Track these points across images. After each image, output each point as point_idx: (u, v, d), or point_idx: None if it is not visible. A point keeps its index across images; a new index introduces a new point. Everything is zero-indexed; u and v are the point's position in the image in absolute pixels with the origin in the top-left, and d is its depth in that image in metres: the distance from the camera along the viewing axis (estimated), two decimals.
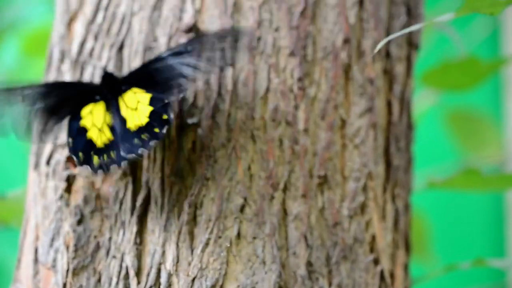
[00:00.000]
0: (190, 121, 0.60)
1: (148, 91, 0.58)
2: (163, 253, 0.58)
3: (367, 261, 0.60)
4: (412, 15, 0.66)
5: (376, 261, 0.61)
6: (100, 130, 0.58)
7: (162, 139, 0.58)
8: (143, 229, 0.59)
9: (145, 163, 0.60)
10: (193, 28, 0.61)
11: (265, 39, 0.61)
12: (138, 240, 0.58)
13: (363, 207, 0.61)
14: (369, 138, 0.62)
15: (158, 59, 0.59)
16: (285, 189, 0.59)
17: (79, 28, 0.64)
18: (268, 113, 0.60)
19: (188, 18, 0.62)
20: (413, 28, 0.53)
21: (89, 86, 0.61)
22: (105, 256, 0.59)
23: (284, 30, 0.62)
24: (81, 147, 0.58)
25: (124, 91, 0.59)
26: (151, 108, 0.58)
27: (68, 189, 0.60)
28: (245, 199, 0.58)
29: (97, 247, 0.59)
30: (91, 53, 0.63)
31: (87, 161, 0.58)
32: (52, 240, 0.60)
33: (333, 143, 0.61)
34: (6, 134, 0.59)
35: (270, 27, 0.62)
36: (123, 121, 0.58)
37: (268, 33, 0.62)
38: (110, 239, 0.59)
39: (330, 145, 0.61)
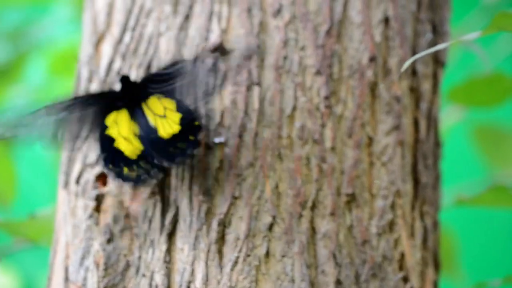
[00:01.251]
0: (217, 140, 0.60)
1: (168, 96, 0.57)
2: (192, 271, 0.58)
3: (396, 279, 0.60)
4: (437, 33, 0.66)
5: (405, 279, 0.61)
6: (126, 139, 0.58)
7: (199, 147, 0.58)
8: (172, 248, 0.59)
9: (173, 181, 0.60)
10: (219, 48, 0.62)
11: (291, 58, 0.62)
12: (167, 259, 0.59)
13: (391, 225, 0.61)
14: (396, 156, 0.62)
15: (177, 64, 0.58)
16: (313, 207, 0.59)
17: (107, 48, 0.65)
18: (295, 132, 0.61)
19: (214, 38, 0.62)
20: (439, 47, 0.53)
21: (110, 93, 0.60)
22: (135, 274, 0.59)
23: (310, 49, 0.62)
24: (111, 158, 0.58)
25: (147, 96, 0.58)
26: (180, 115, 0.57)
27: (98, 208, 0.61)
28: (273, 217, 0.59)
29: (127, 265, 0.59)
30: (119, 73, 0.64)
31: (118, 173, 0.58)
32: (82, 258, 0.60)
33: (360, 161, 0.61)
34: (31, 144, 0.59)
35: (296, 46, 0.62)
36: (153, 129, 0.57)
37: (294, 52, 0.62)
38: (139, 257, 0.59)
39: (358, 163, 0.61)
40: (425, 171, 0.64)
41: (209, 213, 0.59)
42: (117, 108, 0.59)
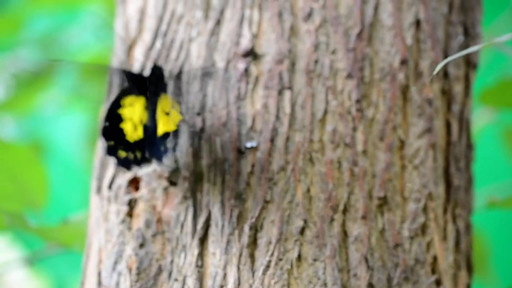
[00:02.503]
0: (249, 144, 0.60)
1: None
2: (225, 275, 0.58)
3: (429, 283, 0.60)
4: (469, 35, 0.66)
5: (438, 283, 0.61)
6: (134, 125, 0.58)
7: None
8: (204, 252, 0.59)
9: (205, 186, 0.60)
10: (250, 53, 0.62)
11: (322, 62, 0.62)
12: (199, 263, 0.59)
13: (423, 228, 0.61)
14: (428, 159, 0.62)
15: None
16: (345, 211, 0.59)
17: (138, 54, 0.65)
18: (326, 135, 0.61)
19: (245, 43, 0.62)
20: (471, 49, 0.53)
21: (137, 76, 0.60)
22: (167, 279, 0.59)
23: (341, 52, 0.62)
24: (113, 135, 0.58)
25: (165, 91, 0.59)
26: (180, 117, 0.58)
27: (130, 213, 0.61)
28: (305, 221, 0.59)
29: (159, 270, 0.59)
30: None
31: (113, 151, 0.58)
32: (115, 263, 0.60)
33: (392, 164, 0.61)
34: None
35: (327, 50, 0.62)
36: (155, 123, 0.58)
37: (325, 56, 0.62)
38: (172, 262, 0.59)
39: (389, 166, 0.61)
40: (457, 173, 0.64)
41: (240, 217, 0.59)
42: (138, 93, 0.59)
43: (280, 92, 0.61)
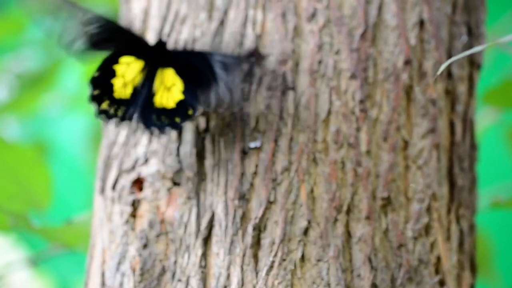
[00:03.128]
0: (252, 145, 0.60)
1: (183, 78, 0.59)
2: (228, 276, 0.58)
3: (432, 283, 0.60)
4: (473, 35, 0.66)
5: (441, 283, 0.60)
6: (125, 84, 0.60)
7: (178, 130, 0.60)
8: (207, 252, 0.59)
9: (208, 186, 0.60)
10: (254, 53, 0.62)
11: (326, 62, 0.62)
12: (203, 263, 0.59)
13: (427, 228, 0.61)
14: (432, 159, 0.62)
15: (205, 54, 0.60)
16: (348, 211, 0.59)
17: None
18: (330, 136, 0.61)
19: (249, 43, 0.62)
20: (475, 50, 0.53)
21: (142, 42, 0.62)
22: (171, 279, 0.59)
23: (344, 53, 0.62)
24: (101, 86, 0.59)
25: (167, 66, 0.60)
26: (182, 97, 0.59)
27: (134, 214, 0.61)
28: (308, 221, 0.59)
29: (163, 270, 0.59)
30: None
31: (98, 101, 0.59)
32: (119, 264, 0.60)
33: (396, 165, 0.61)
34: (50, 36, 0.60)
35: (331, 50, 0.62)
36: (150, 92, 0.59)
37: (329, 56, 0.62)
38: (175, 262, 0.59)
39: (393, 166, 0.61)
40: (461, 174, 0.64)
41: (244, 217, 0.59)
42: (138, 56, 0.60)
43: (284, 93, 0.61)
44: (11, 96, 1.13)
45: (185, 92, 0.59)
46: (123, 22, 0.67)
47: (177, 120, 0.59)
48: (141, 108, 0.59)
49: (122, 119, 0.59)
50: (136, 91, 0.60)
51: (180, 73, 0.60)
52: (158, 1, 0.65)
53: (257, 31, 0.63)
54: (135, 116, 0.59)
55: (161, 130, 0.59)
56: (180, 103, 0.59)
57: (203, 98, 0.59)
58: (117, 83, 0.60)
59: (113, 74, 0.60)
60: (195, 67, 0.60)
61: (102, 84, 0.60)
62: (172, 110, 0.59)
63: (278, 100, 0.61)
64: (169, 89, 0.59)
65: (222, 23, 0.63)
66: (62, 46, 0.61)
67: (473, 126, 0.66)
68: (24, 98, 1.13)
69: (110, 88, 0.60)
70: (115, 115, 0.59)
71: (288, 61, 0.62)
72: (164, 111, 0.59)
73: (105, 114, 0.60)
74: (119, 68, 0.60)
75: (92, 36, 0.60)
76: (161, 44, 0.61)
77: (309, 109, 0.61)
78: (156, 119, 0.59)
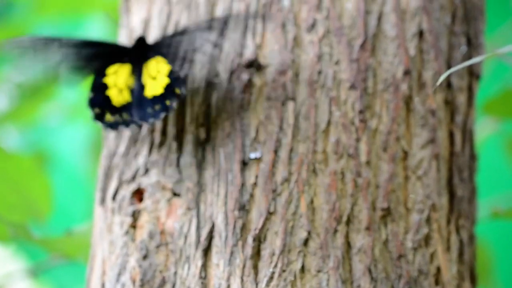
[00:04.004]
0: (252, 155, 0.60)
1: (168, 62, 0.61)
2: (228, 287, 0.58)
3: None
4: (472, 45, 0.66)
5: None
6: (120, 90, 0.61)
7: (171, 112, 0.61)
8: (207, 263, 0.59)
9: (208, 197, 0.60)
10: (254, 63, 0.62)
11: (325, 72, 0.62)
12: (203, 274, 0.59)
13: (427, 239, 0.61)
14: (431, 170, 0.62)
15: (184, 31, 0.62)
16: (348, 222, 0.59)
17: None
18: (330, 146, 0.61)
19: (249, 54, 0.63)
20: (474, 60, 0.53)
21: (121, 47, 0.64)
22: None
23: (344, 63, 0.62)
24: (99, 102, 0.61)
25: (150, 58, 0.62)
26: (167, 80, 0.61)
27: (134, 225, 0.61)
28: (308, 232, 0.59)
29: (163, 281, 0.59)
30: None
31: (100, 116, 0.61)
32: (119, 275, 0.60)
33: (395, 175, 0.61)
34: (34, 75, 0.63)
35: (331, 60, 0.62)
36: (141, 87, 0.61)
37: (329, 66, 0.62)
38: (175, 273, 0.59)
39: (393, 177, 0.61)
40: (460, 184, 0.64)
41: (244, 228, 0.59)
42: (123, 61, 0.63)
43: (284, 103, 0.61)
44: (11, 106, 1.13)
45: (170, 74, 0.61)
46: (123, 32, 0.67)
47: (168, 103, 0.60)
48: (137, 106, 0.61)
49: (130, 122, 0.61)
50: (132, 93, 0.62)
51: (161, 58, 0.62)
52: (158, 11, 0.66)
53: (257, 41, 0.63)
54: (134, 115, 0.61)
55: (156, 117, 0.60)
56: (167, 87, 0.61)
57: (188, 73, 0.62)
58: (112, 93, 0.62)
59: (105, 87, 0.62)
60: (168, 46, 0.62)
61: (99, 100, 0.62)
62: (161, 95, 0.61)
63: (278, 110, 0.61)
64: (155, 78, 0.61)
65: (222, 33, 0.63)
66: (47, 80, 0.63)
67: (472, 136, 0.66)
68: (24, 107, 1.13)
69: (108, 100, 0.61)
70: (122, 122, 0.61)
71: (288, 72, 0.62)
72: (155, 99, 0.61)
73: (112, 125, 0.61)
74: (108, 79, 0.62)
75: (74, 60, 0.63)
76: (140, 41, 0.63)
77: (309, 120, 0.61)
78: (150, 110, 0.61)
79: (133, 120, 0.61)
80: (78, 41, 0.63)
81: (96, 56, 0.63)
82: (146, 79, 0.61)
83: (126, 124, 0.61)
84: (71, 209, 1.18)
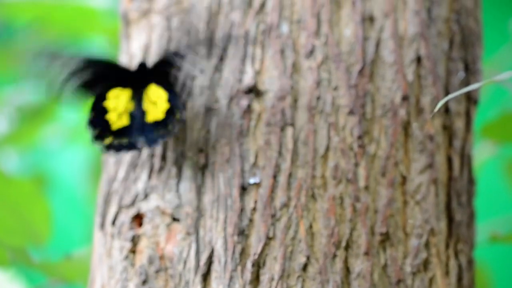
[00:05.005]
0: (252, 180, 0.61)
1: (168, 87, 0.62)
2: None
3: None
4: (470, 71, 0.66)
5: None
6: (119, 115, 0.62)
7: (173, 136, 0.62)
8: None
9: (208, 222, 0.60)
10: (253, 89, 0.63)
11: (324, 98, 0.62)
12: None
13: (426, 264, 0.61)
14: (430, 194, 0.62)
15: (183, 56, 0.62)
16: (347, 247, 0.59)
17: None
18: (328, 171, 0.61)
19: (248, 80, 0.63)
20: (472, 87, 0.53)
21: (123, 70, 0.64)
22: None
23: (343, 89, 0.62)
24: (98, 125, 0.62)
25: (150, 83, 0.63)
26: (168, 105, 0.61)
27: (133, 250, 0.61)
28: (307, 257, 0.59)
29: None
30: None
31: (100, 139, 0.62)
32: None
33: (394, 200, 0.61)
34: (38, 83, 0.63)
35: (329, 86, 0.63)
36: (142, 112, 0.62)
37: (327, 92, 0.62)
38: None
39: (391, 202, 0.61)
40: (459, 209, 0.64)
41: (243, 253, 0.59)
42: (124, 86, 0.63)
43: (283, 129, 0.61)
44: (11, 128, 1.13)
45: (169, 99, 0.62)
46: (123, 58, 0.68)
47: (170, 127, 0.61)
48: (139, 131, 0.61)
49: (129, 147, 0.61)
50: (132, 117, 0.62)
51: (160, 83, 0.62)
52: (158, 37, 0.66)
53: (256, 68, 0.63)
54: (138, 140, 0.61)
55: (158, 142, 0.61)
56: (168, 111, 0.61)
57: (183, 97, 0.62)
58: (112, 117, 0.62)
59: (105, 111, 0.62)
60: (166, 72, 0.62)
61: (98, 123, 0.62)
62: (163, 120, 0.61)
63: (277, 136, 0.61)
64: (156, 103, 0.62)
65: (221, 59, 0.64)
66: (51, 93, 0.64)
67: (470, 161, 0.66)
68: (24, 130, 1.13)
69: (107, 124, 0.62)
70: (120, 146, 0.62)
71: (286, 97, 0.62)
72: (156, 124, 0.61)
73: (111, 148, 0.62)
74: (109, 103, 0.63)
75: (76, 82, 0.63)
76: (141, 66, 0.64)
77: (307, 145, 0.61)
78: (152, 135, 0.61)
79: (132, 144, 0.61)
80: (81, 60, 0.63)
81: (98, 78, 0.64)
82: (147, 104, 0.62)
83: (124, 148, 0.62)
84: (71, 232, 1.18)
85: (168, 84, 0.62)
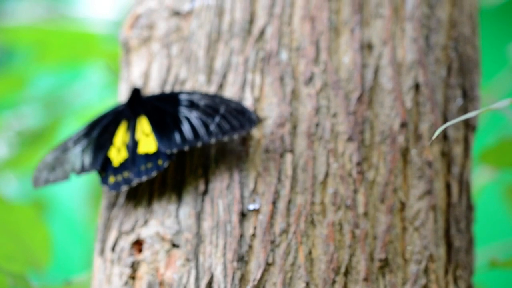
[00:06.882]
0: (251, 207, 0.61)
1: (153, 123, 0.62)
2: None
3: None
4: (468, 97, 0.67)
5: None
6: (118, 150, 0.62)
7: (162, 171, 0.61)
8: None
9: (207, 248, 0.60)
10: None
11: (323, 125, 0.63)
12: None
13: None
14: (429, 221, 0.62)
15: (174, 94, 0.62)
16: (346, 273, 0.60)
17: None
18: (328, 198, 0.61)
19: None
20: (471, 114, 0.53)
21: (118, 108, 0.64)
22: None
23: (341, 115, 0.63)
24: (101, 166, 0.62)
25: (142, 113, 0.63)
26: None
27: (133, 276, 0.61)
28: (307, 283, 0.59)
29: None
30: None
31: (105, 180, 0.62)
32: None
33: (393, 226, 0.61)
34: (67, 177, 0.63)
35: (328, 113, 0.63)
36: (135, 143, 0.62)
37: (326, 119, 0.63)
38: None
39: (390, 228, 0.61)
40: (458, 235, 0.64)
41: (243, 279, 0.59)
42: (120, 119, 0.64)
43: (282, 155, 0.62)
44: (11, 153, 1.14)
45: (156, 135, 0.62)
46: (123, 85, 0.68)
47: (160, 162, 0.61)
48: (131, 162, 0.62)
49: (131, 180, 0.61)
50: (128, 149, 0.62)
51: (150, 118, 0.63)
52: (158, 64, 0.66)
53: (256, 94, 0.64)
54: (130, 170, 0.62)
55: (148, 175, 0.61)
56: (160, 146, 0.61)
57: (170, 138, 0.62)
58: (112, 154, 0.63)
59: (106, 149, 0.63)
60: (162, 109, 0.62)
61: (100, 164, 0.63)
62: (154, 153, 0.61)
63: (276, 162, 0.62)
64: (148, 135, 0.62)
65: (221, 86, 0.64)
66: (80, 174, 0.64)
67: (469, 187, 0.67)
68: (23, 155, 1.13)
69: (109, 162, 0.62)
70: (125, 180, 0.62)
71: (286, 124, 0.62)
72: (147, 157, 0.62)
73: (118, 185, 0.62)
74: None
75: (90, 143, 0.64)
76: (135, 93, 0.64)
77: (307, 171, 0.61)
78: (143, 167, 0.61)
79: (129, 180, 0.62)
80: (85, 128, 0.64)
81: (103, 132, 0.64)
82: (139, 135, 0.62)
83: (127, 182, 0.62)
84: (70, 258, 1.18)
85: (157, 119, 0.62)
